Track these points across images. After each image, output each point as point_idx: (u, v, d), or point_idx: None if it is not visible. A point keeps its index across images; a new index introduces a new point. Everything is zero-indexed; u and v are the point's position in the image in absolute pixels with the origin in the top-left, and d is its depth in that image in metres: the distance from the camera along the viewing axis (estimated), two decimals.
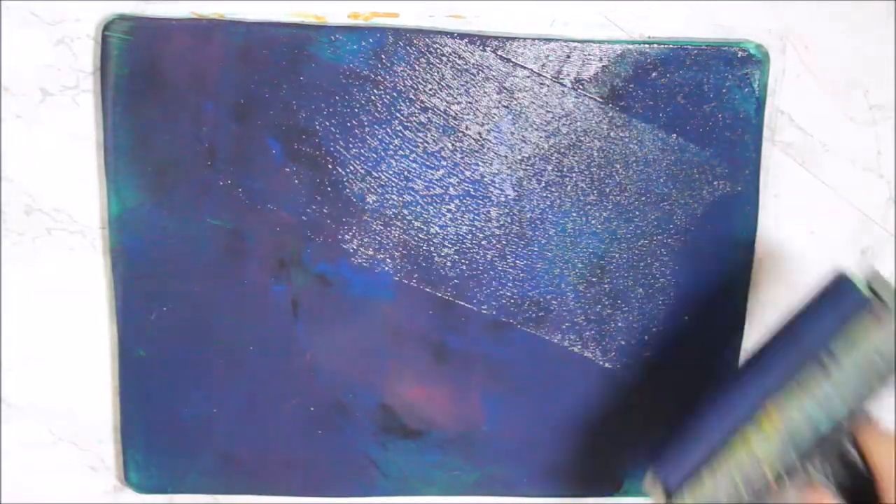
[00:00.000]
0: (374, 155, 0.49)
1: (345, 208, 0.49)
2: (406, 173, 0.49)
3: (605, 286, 0.51)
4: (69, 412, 0.52)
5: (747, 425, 0.40)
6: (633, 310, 0.51)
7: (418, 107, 0.48)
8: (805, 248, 0.52)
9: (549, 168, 0.49)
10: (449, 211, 0.50)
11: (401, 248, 0.50)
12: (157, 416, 0.51)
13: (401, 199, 0.49)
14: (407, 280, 0.50)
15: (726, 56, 0.48)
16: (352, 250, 0.50)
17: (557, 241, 0.50)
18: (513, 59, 0.48)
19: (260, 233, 0.49)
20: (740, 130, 0.49)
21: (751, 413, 0.40)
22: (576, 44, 0.48)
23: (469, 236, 0.50)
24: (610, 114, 0.49)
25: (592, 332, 0.51)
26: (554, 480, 0.53)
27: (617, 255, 0.50)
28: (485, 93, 0.48)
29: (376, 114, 0.48)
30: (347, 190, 0.49)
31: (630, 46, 0.48)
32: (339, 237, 0.49)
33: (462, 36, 0.48)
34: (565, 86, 0.49)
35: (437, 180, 0.49)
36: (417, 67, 0.48)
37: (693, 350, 0.52)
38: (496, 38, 0.48)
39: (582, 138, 0.49)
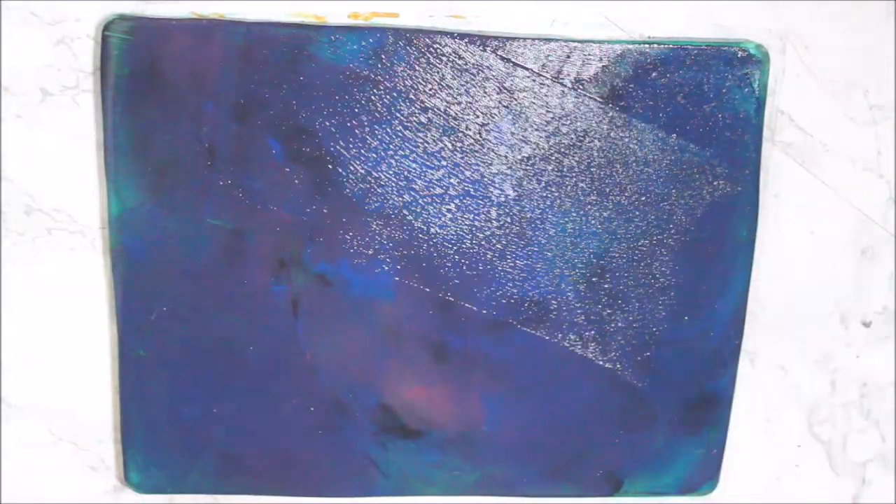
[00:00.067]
0: (374, 155, 0.49)
1: (345, 208, 0.49)
2: (406, 173, 0.49)
3: (605, 286, 0.51)
4: (69, 412, 0.52)
5: None
6: (633, 310, 0.51)
7: (418, 107, 0.48)
8: (805, 248, 0.52)
9: (549, 168, 0.49)
10: (449, 211, 0.50)
11: (401, 248, 0.50)
12: (157, 416, 0.51)
13: (401, 199, 0.49)
14: (407, 280, 0.50)
15: (726, 56, 0.48)
16: (352, 250, 0.50)
17: (557, 241, 0.50)
18: (513, 59, 0.48)
19: (260, 233, 0.49)
20: (740, 130, 0.49)
21: None
22: (576, 44, 0.48)
23: (469, 236, 0.50)
24: (610, 114, 0.49)
25: (592, 332, 0.51)
26: (554, 480, 0.53)
27: (617, 255, 0.50)
28: (485, 93, 0.48)
29: (376, 114, 0.48)
30: (347, 190, 0.49)
31: (630, 46, 0.48)
32: (339, 237, 0.49)
33: (462, 36, 0.48)
34: (565, 86, 0.48)
35: (437, 180, 0.49)
36: (417, 67, 0.48)
37: (693, 350, 0.52)
38: (496, 38, 0.48)
39: (582, 138, 0.49)
